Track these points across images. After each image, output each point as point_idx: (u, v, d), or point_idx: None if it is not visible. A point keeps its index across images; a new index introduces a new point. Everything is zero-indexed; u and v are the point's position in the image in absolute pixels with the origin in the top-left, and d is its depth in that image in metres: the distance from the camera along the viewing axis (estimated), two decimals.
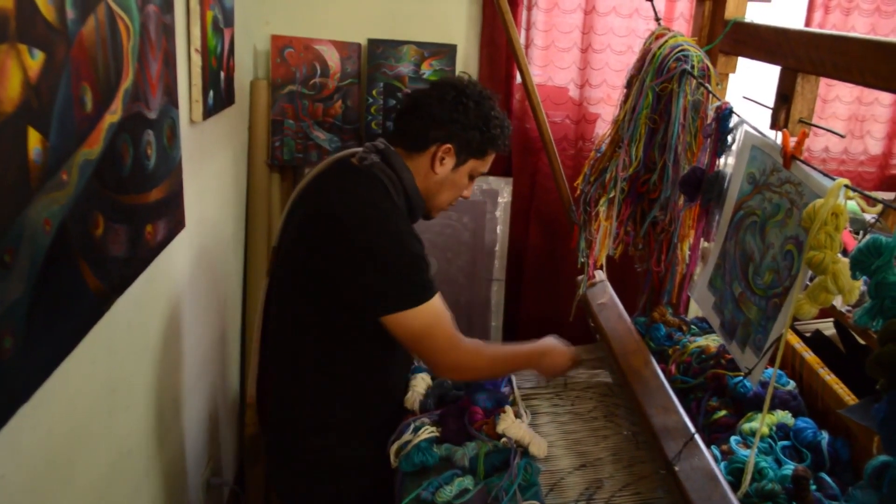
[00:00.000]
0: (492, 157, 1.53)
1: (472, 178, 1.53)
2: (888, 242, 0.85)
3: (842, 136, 1.33)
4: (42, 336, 0.97)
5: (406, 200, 1.44)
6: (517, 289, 2.66)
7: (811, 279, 1.00)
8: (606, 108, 2.54)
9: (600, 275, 1.91)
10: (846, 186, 0.96)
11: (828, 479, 1.18)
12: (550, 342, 1.55)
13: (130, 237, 1.28)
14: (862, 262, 0.87)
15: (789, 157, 1.10)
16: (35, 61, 0.92)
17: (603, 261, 1.82)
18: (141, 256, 1.35)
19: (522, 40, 2.45)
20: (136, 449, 1.43)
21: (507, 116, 1.53)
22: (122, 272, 1.25)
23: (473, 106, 1.44)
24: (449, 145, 1.44)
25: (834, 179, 0.98)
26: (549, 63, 2.50)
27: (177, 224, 1.56)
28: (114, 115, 1.17)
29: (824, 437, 1.26)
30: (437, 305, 1.36)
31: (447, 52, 2.41)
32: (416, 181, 1.45)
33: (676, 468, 1.20)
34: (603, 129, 2.57)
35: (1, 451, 0.90)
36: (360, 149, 1.48)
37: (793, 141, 1.14)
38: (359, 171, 1.42)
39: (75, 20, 1.02)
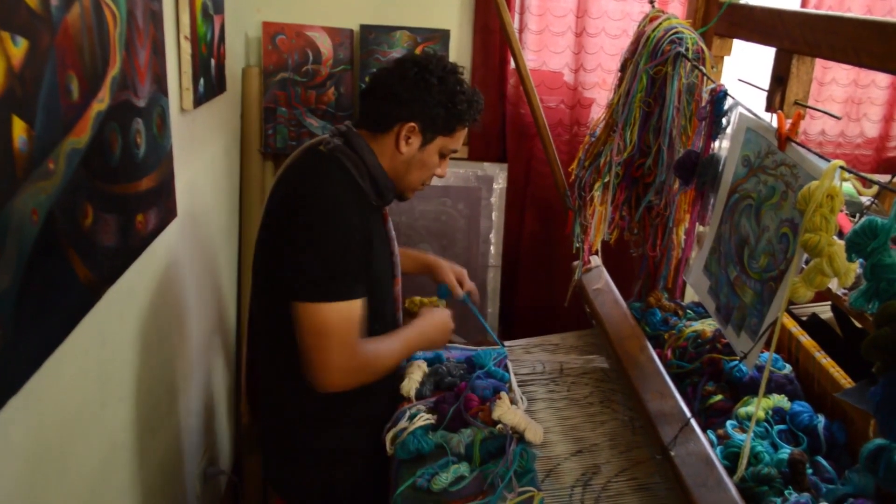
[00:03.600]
0: (463, 133, 1.49)
1: (443, 156, 1.49)
2: (884, 224, 0.84)
3: (837, 118, 1.32)
4: (31, 327, 0.96)
5: (372, 183, 1.40)
6: (513, 275, 2.66)
7: (807, 262, 1.00)
8: (601, 92, 2.53)
9: (596, 260, 1.90)
10: (842, 168, 0.95)
11: (824, 462, 1.18)
12: (429, 319, 1.54)
13: (121, 226, 1.27)
14: (857, 245, 0.86)
15: (784, 138, 1.09)
16: (18, 49, 0.90)
17: (598, 246, 1.81)
18: (132, 246, 1.34)
19: (516, 24, 2.43)
20: (130, 440, 1.42)
21: (475, 90, 1.47)
22: (112, 262, 1.24)
23: (437, 82, 1.40)
24: (413, 124, 1.40)
25: (829, 161, 0.97)
26: (543, 47, 2.48)
27: (168, 213, 1.55)
28: (101, 103, 1.16)
29: (820, 420, 1.25)
30: (350, 309, 1.32)
31: (440, 37, 2.39)
32: (383, 162, 1.42)
33: (672, 453, 1.20)
34: (598, 113, 2.55)
35: None
36: (325, 136, 1.46)
37: (788, 122, 1.13)
38: (322, 157, 1.39)
39: (59, 7, 1.01)
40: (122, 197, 1.27)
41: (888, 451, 0.86)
